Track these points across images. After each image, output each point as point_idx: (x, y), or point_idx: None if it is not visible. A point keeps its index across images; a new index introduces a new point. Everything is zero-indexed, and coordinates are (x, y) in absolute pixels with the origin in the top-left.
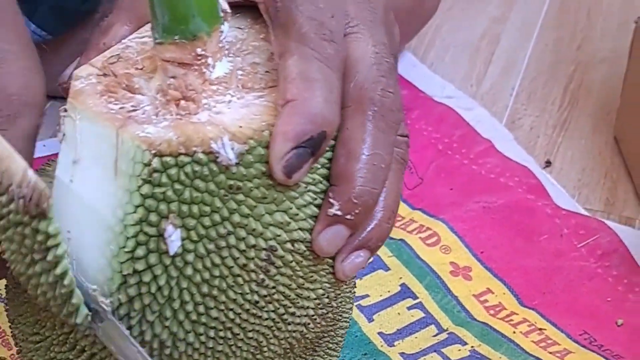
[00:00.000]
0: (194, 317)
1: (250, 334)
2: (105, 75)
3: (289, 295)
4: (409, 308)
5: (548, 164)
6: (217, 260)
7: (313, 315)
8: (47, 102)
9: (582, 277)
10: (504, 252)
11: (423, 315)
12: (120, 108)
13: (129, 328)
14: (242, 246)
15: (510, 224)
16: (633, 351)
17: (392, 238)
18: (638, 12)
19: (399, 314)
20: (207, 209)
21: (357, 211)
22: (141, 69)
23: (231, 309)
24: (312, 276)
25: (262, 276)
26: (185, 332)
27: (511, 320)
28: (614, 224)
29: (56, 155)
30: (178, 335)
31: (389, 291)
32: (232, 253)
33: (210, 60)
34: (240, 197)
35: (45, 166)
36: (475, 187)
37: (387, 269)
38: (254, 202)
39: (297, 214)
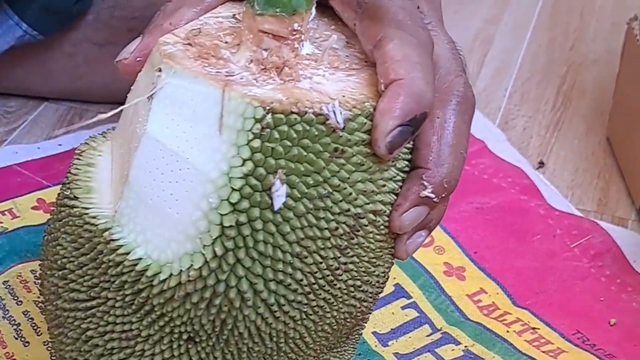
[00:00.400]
0: (280, 276)
1: (321, 302)
2: (190, 45)
3: (361, 268)
4: (403, 307)
5: (541, 164)
6: (313, 221)
7: (371, 293)
8: (42, 104)
9: (575, 277)
10: (497, 252)
11: (417, 314)
12: (217, 72)
13: (217, 282)
14: (337, 209)
15: (504, 224)
16: (626, 350)
17: None
18: (630, 14)
19: (393, 313)
20: (312, 168)
21: (443, 195)
22: (225, 42)
23: (314, 273)
24: (380, 252)
25: (345, 243)
26: (269, 292)
27: (504, 319)
28: (607, 224)
29: (52, 156)
30: (262, 294)
31: (382, 291)
32: (326, 215)
33: (303, 37)
34: (342, 161)
35: (91, 138)
36: (468, 188)
37: None
38: (352, 168)
39: (384, 186)
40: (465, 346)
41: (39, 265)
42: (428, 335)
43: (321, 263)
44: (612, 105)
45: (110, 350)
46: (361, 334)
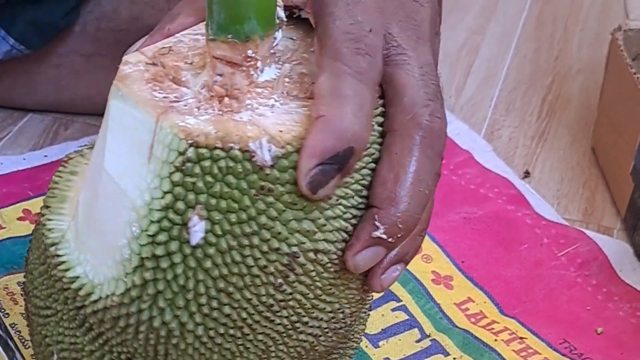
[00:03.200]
0: (206, 310)
1: (260, 337)
2: (154, 64)
3: (305, 304)
4: (393, 310)
5: (527, 174)
6: (238, 258)
7: (325, 328)
8: (27, 115)
9: (562, 286)
10: (485, 261)
11: (407, 317)
12: (164, 97)
13: (139, 311)
14: (265, 248)
15: (491, 233)
16: (613, 359)
17: None
18: (614, 24)
19: (383, 315)
20: (235, 205)
21: (399, 235)
22: (190, 63)
23: (245, 309)
24: (330, 289)
25: (280, 280)
26: (195, 324)
27: (492, 328)
28: (594, 234)
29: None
30: (187, 326)
31: (372, 295)
32: (253, 253)
33: (259, 64)
34: (270, 199)
35: (83, 147)
36: (455, 198)
37: None
38: (282, 207)
39: (325, 225)
40: (454, 358)
41: None
42: (417, 342)
43: (251, 299)
44: (597, 115)
45: (62, 359)
46: (351, 355)
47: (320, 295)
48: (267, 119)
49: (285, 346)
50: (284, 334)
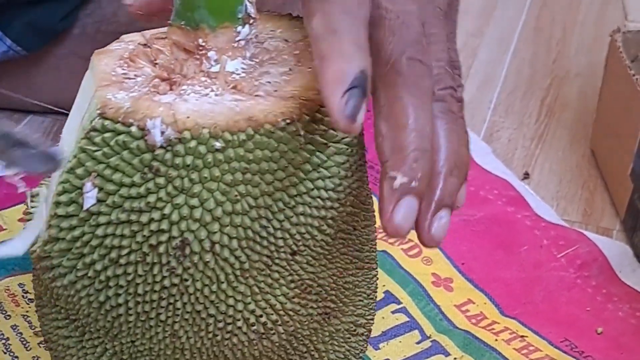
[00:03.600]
0: (102, 277)
1: (162, 317)
2: (146, 45)
3: (208, 296)
4: (393, 312)
5: (526, 176)
6: (127, 232)
7: (245, 332)
8: (27, 116)
9: (561, 287)
10: (485, 263)
11: (407, 319)
12: (123, 73)
13: (51, 268)
14: (154, 227)
15: (491, 235)
16: (613, 359)
17: None
18: (613, 26)
19: (383, 317)
20: (127, 180)
21: (419, 175)
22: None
23: (138, 284)
24: (237, 286)
25: (173, 264)
26: (89, 289)
27: (493, 328)
28: (593, 235)
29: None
30: (81, 291)
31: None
32: (142, 230)
33: (212, 54)
34: (161, 181)
35: None
36: None
37: None
38: (174, 191)
39: (221, 219)
40: (455, 358)
41: None
42: (418, 343)
43: (143, 276)
44: (596, 117)
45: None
46: None
47: (226, 290)
48: (186, 104)
49: (197, 337)
50: (192, 324)
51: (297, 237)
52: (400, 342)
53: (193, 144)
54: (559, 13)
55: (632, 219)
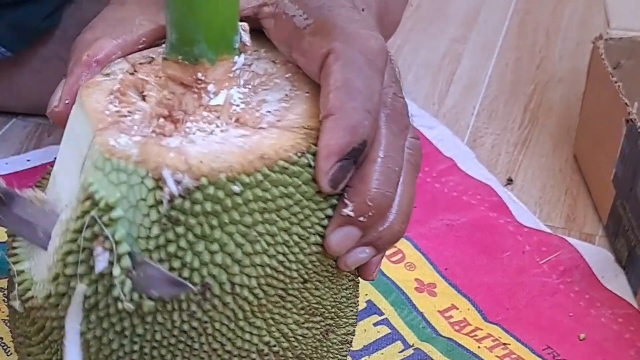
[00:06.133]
0: (117, 328)
1: (178, 358)
2: (132, 73)
3: (225, 334)
4: (375, 324)
5: (510, 181)
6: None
7: None
8: (10, 120)
9: (544, 293)
10: (468, 268)
11: (389, 331)
12: (116, 111)
13: (57, 318)
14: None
15: (474, 241)
16: None
17: None
18: (595, 33)
19: (365, 330)
20: (145, 233)
21: (370, 214)
22: (160, 77)
23: (157, 331)
24: (253, 321)
25: (193, 308)
26: (109, 341)
27: (476, 335)
28: (575, 241)
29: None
30: (106, 346)
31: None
32: None
33: (211, 87)
34: (181, 230)
35: None
36: (438, 205)
37: None
38: (194, 238)
39: (241, 261)
40: None
41: None
42: (400, 352)
43: (163, 324)
44: (579, 123)
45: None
46: None
47: (243, 327)
48: (194, 146)
49: None
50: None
51: (309, 266)
52: (382, 354)
53: (211, 190)
54: (542, 20)
55: (615, 224)
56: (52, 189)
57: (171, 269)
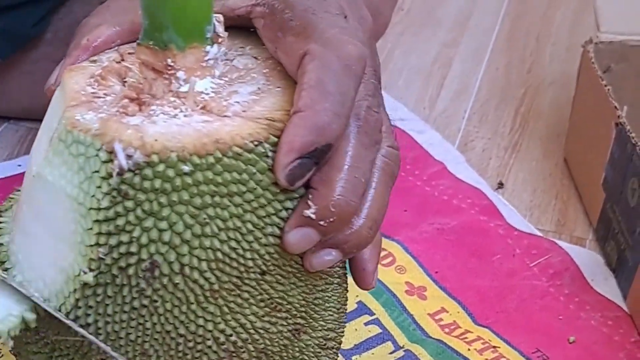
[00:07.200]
0: (71, 299)
1: (131, 337)
2: (119, 62)
3: (177, 316)
4: (366, 324)
5: (500, 185)
6: (94, 256)
7: (215, 351)
8: (2, 125)
9: (534, 296)
10: (458, 272)
11: (380, 331)
12: (92, 92)
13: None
14: (123, 249)
15: (464, 244)
16: None
17: None
18: (586, 37)
19: (356, 329)
20: (96, 204)
21: (331, 219)
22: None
23: (108, 305)
24: (206, 306)
25: (142, 285)
26: (59, 309)
27: (465, 338)
28: (565, 244)
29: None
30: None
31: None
32: (111, 253)
33: (180, 74)
34: (130, 204)
35: None
36: (429, 209)
37: None
38: (142, 214)
39: (190, 242)
40: None
41: None
42: (390, 353)
43: (112, 297)
44: (569, 127)
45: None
46: None
47: (196, 311)
48: (154, 126)
49: (168, 356)
50: (163, 344)
51: (267, 257)
52: (373, 354)
53: (161, 167)
54: (532, 24)
55: (604, 228)
56: (28, 162)
57: (120, 243)
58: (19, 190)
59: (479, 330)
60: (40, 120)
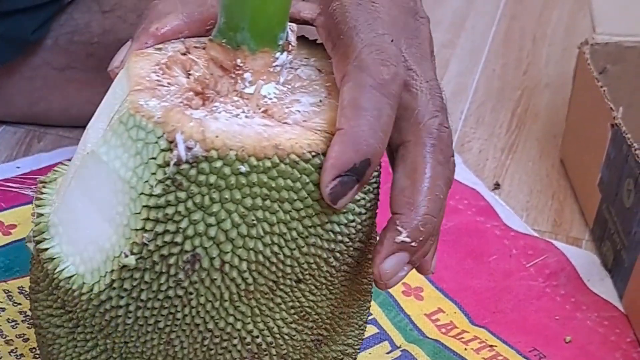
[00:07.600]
0: (107, 279)
1: (160, 324)
2: (184, 54)
3: (210, 311)
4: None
5: (497, 186)
6: (138, 240)
7: (239, 351)
8: (0, 127)
9: (530, 297)
10: (455, 272)
11: (377, 330)
12: (157, 80)
13: (54, 258)
14: (167, 238)
15: (460, 245)
16: None
17: None
18: (581, 38)
19: None
20: (148, 191)
21: (421, 239)
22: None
23: (142, 290)
24: (239, 306)
25: (180, 276)
26: (93, 287)
27: (462, 337)
28: (562, 244)
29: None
30: (84, 287)
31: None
32: (155, 240)
33: (247, 76)
34: (182, 195)
35: None
36: None
37: None
38: (193, 207)
39: (235, 241)
40: None
41: None
42: (388, 353)
43: (150, 283)
44: (565, 128)
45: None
46: None
47: (228, 309)
48: (216, 122)
49: (192, 349)
50: (189, 335)
51: (305, 266)
52: (370, 354)
53: (219, 164)
54: (528, 26)
55: (600, 228)
56: (82, 139)
57: (166, 231)
58: (65, 165)
59: (475, 331)
60: (41, 125)
